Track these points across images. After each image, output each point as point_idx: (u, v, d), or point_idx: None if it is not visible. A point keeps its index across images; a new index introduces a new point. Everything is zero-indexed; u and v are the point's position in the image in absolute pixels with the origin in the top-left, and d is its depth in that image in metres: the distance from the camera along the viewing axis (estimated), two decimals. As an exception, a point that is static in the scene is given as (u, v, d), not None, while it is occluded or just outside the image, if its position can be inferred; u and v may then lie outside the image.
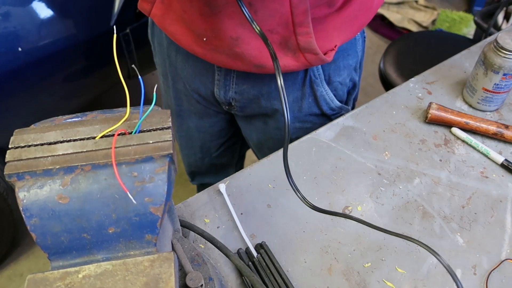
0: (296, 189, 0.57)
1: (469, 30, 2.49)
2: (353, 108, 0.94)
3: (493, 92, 0.83)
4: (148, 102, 0.46)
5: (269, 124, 0.91)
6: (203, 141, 1.08)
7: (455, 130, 0.83)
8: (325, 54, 0.73)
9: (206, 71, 0.84)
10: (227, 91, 0.84)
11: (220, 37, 0.71)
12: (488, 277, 0.63)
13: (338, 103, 0.86)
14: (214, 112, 0.96)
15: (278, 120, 0.88)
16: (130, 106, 0.47)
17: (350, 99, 0.91)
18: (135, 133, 0.45)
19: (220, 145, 1.11)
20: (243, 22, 0.69)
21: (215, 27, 0.71)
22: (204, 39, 0.73)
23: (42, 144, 0.44)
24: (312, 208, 0.58)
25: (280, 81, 0.53)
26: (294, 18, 0.68)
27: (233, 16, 0.68)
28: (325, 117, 0.88)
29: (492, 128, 0.80)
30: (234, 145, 1.15)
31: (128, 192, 0.40)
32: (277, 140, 0.93)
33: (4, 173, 0.41)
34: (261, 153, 1.02)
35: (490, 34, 1.48)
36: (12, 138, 0.45)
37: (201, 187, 1.36)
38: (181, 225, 0.60)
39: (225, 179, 0.75)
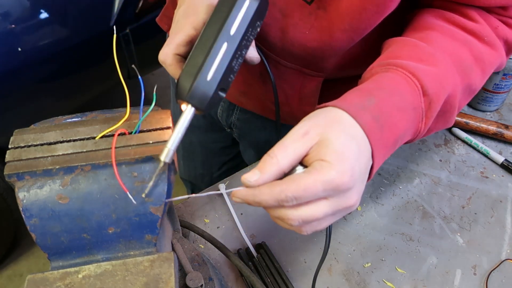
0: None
1: (469, 30, 2.48)
2: None
3: (493, 92, 0.83)
4: (148, 102, 0.46)
5: (265, 150, 0.90)
6: (206, 156, 1.04)
7: (455, 130, 0.82)
8: None
9: None
10: (229, 115, 0.82)
11: None
12: (488, 277, 0.63)
13: None
14: (219, 128, 0.93)
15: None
16: (130, 106, 0.47)
17: None
18: (135, 133, 0.45)
19: (222, 164, 1.07)
20: (252, 80, 0.69)
21: None
22: None
23: (42, 144, 0.44)
24: None
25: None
26: (302, 97, 0.68)
27: (241, 71, 0.67)
28: None
29: (492, 128, 0.80)
30: (237, 167, 1.10)
31: (128, 192, 0.40)
32: None
33: (4, 173, 0.41)
34: None
35: (490, 34, 1.48)
36: (12, 138, 0.45)
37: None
38: (181, 225, 0.60)
39: (225, 179, 0.75)
